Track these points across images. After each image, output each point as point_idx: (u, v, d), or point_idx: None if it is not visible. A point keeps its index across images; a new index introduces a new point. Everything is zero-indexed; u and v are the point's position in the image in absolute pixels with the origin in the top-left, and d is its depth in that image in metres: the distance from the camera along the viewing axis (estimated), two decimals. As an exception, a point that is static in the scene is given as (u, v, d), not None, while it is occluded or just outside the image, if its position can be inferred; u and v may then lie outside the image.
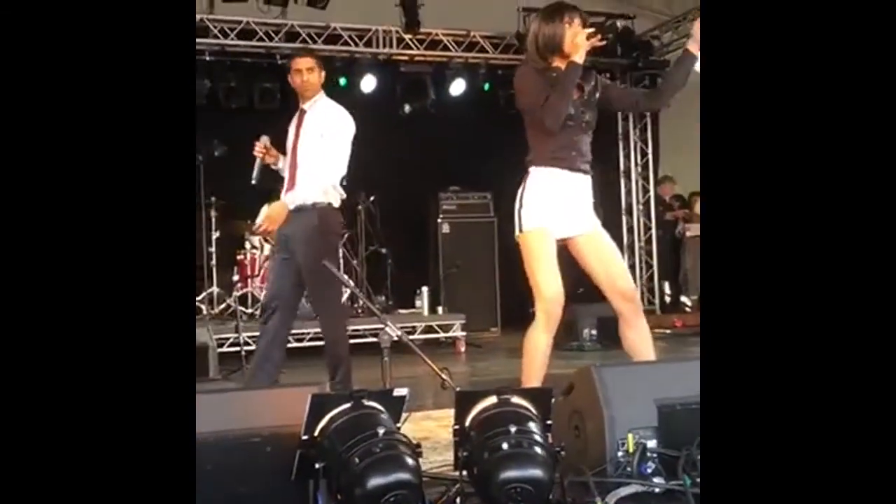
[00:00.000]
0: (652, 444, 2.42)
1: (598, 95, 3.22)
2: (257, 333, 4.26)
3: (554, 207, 3.10)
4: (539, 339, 3.08)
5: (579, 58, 3.05)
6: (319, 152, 4.00)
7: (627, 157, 10.04)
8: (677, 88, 3.20)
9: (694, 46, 3.08)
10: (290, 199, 4.01)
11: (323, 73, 4.17)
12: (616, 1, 9.43)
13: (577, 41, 3.05)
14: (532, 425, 2.19)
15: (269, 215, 3.99)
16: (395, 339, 3.04)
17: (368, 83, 8.34)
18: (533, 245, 3.08)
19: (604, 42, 3.12)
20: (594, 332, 6.82)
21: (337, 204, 4.10)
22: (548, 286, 3.04)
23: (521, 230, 3.13)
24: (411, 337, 7.11)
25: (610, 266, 3.15)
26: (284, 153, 4.19)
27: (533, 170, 3.16)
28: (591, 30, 3.09)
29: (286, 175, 4.14)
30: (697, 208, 8.91)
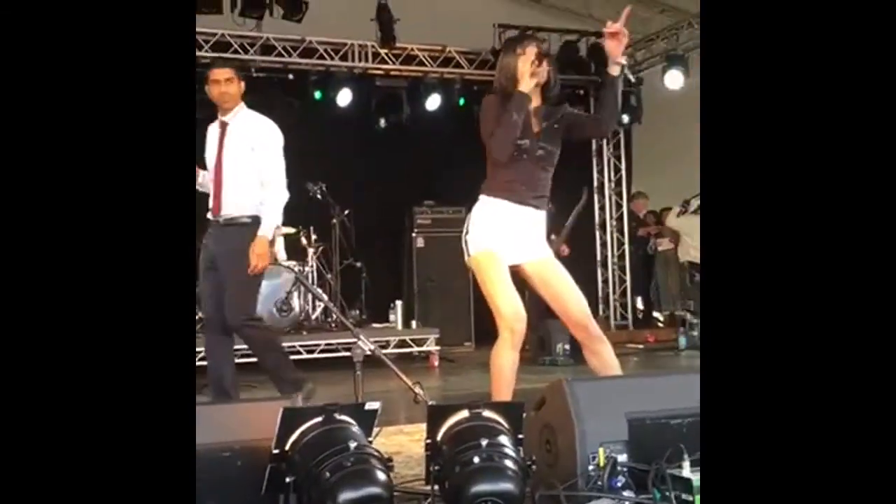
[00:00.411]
0: (622, 458, 2.44)
1: (559, 128, 3.19)
2: None
3: (499, 236, 3.11)
4: (505, 357, 3.08)
5: (524, 87, 3.05)
6: (252, 166, 3.94)
7: (601, 172, 10.12)
8: (614, 112, 3.22)
9: (613, 68, 3.10)
10: (220, 214, 3.93)
11: (242, 84, 4.04)
12: (590, 19, 9.56)
13: (521, 71, 3.06)
14: (503, 439, 2.20)
15: (258, 254, 3.89)
16: (369, 353, 3.04)
17: (344, 97, 8.36)
18: (484, 267, 3.10)
19: (544, 73, 3.09)
20: (567, 346, 6.86)
21: (278, 218, 3.99)
22: (505, 305, 3.05)
23: (468, 255, 3.15)
24: (385, 351, 7.10)
25: (560, 295, 3.15)
26: (204, 167, 4.07)
27: (482, 198, 3.18)
28: (537, 61, 3.06)
29: (209, 190, 4.01)
30: (669, 221, 9.00)
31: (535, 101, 3.16)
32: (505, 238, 3.11)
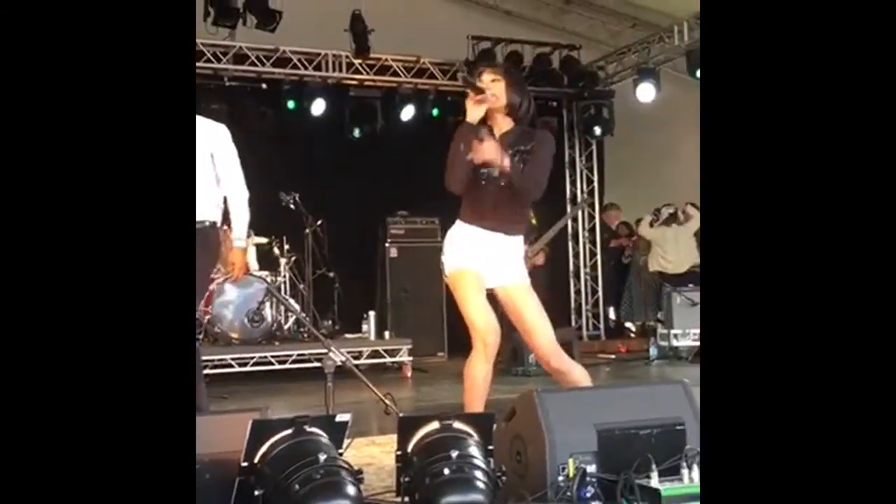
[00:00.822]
0: (592, 468, 2.45)
1: (528, 152, 3.11)
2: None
3: (472, 259, 3.12)
4: (478, 368, 3.10)
5: (468, 117, 3.05)
6: (212, 171, 3.95)
7: (574, 184, 10.19)
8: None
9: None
10: None
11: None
12: (562, 32, 9.64)
13: (468, 102, 3.06)
14: (473, 450, 2.21)
15: (235, 263, 3.90)
16: (340, 364, 3.03)
17: (317, 107, 8.35)
18: (458, 283, 3.12)
19: (493, 99, 3.05)
20: (539, 357, 6.88)
21: (247, 217, 4.03)
22: (478, 318, 3.07)
23: (446, 274, 3.19)
24: (358, 362, 7.09)
25: (528, 326, 3.14)
26: None
27: (457, 222, 3.20)
28: (480, 90, 3.03)
29: None
30: (641, 230, 9.07)
31: (505, 125, 3.14)
32: (478, 262, 3.12)
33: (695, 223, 8.47)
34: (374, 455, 3.34)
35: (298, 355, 6.76)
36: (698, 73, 8.29)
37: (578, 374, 3.13)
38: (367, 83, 8.78)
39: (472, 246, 3.13)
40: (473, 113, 3.05)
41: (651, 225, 8.72)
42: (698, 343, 7.69)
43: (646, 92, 8.82)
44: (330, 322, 7.75)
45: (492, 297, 3.17)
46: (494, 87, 3.08)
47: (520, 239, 3.23)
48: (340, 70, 8.57)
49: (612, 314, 10.07)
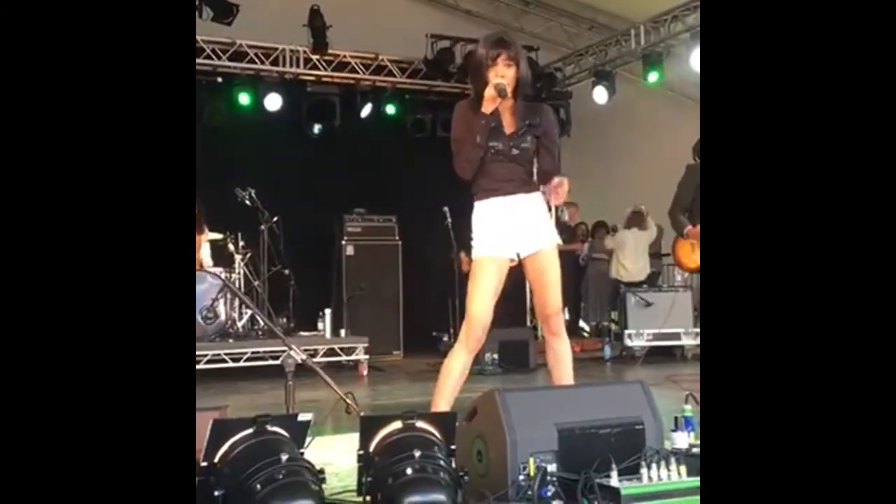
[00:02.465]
0: (552, 467, 2.47)
1: (535, 126, 3.22)
2: None
3: (498, 234, 3.19)
4: (457, 358, 3.17)
5: (486, 109, 3.10)
6: None
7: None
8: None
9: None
10: None
11: None
12: (521, 32, 9.68)
13: (487, 92, 3.09)
14: (436, 450, 2.20)
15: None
16: (300, 362, 3.00)
17: (274, 102, 8.26)
18: (477, 272, 3.19)
19: (510, 79, 3.12)
20: (495, 356, 6.92)
21: None
22: (477, 309, 3.15)
23: (472, 257, 3.24)
24: (314, 360, 7.02)
25: (547, 286, 3.26)
26: None
27: (476, 203, 3.26)
28: (499, 81, 3.08)
29: None
30: (607, 242, 9.23)
31: (510, 100, 3.19)
32: (504, 234, 3.18)
33: (651, 233, 8.67)
34: (334, 454, 3.31)
35: (253, 353, 6.68)
36: (650, 77, 8.42)
37: (567, 345, 3.32)
38: (324, 79, 8.71)
39: (495, 220, 3.19)
40: (490, 106, 3.11)
41: (613, 232, 8.89)
42: (652, 343, 7.81)
43: (602, 94, 8.92)
44: (285, 319, 7.68)
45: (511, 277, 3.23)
46: (508, 74, 3.14)
47: (538, 194, 3.29)
48: (298, 65, 8.49)
49: (567, 314, 10.15)
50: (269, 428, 2.08)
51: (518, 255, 3.23)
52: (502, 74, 3.12)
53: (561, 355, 3.30)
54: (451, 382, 3.12)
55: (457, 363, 3.15)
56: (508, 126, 3.21)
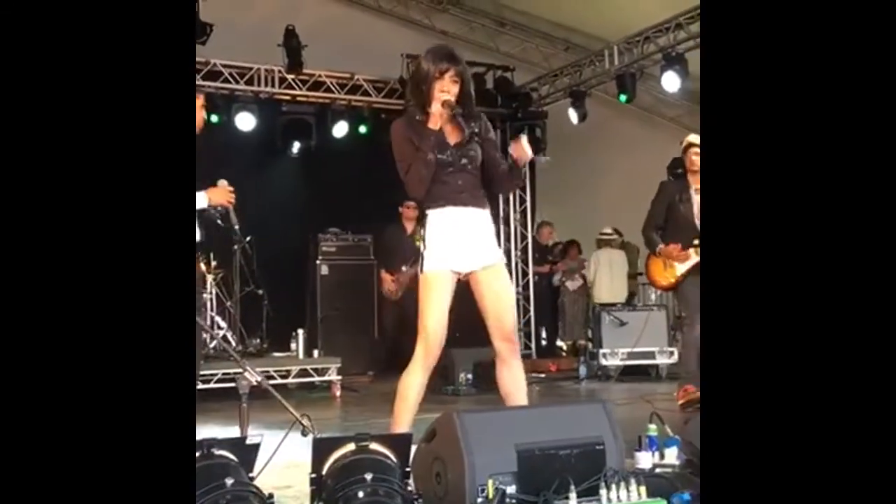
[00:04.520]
0: (511, 489, 2.43)
1: (478, 133, 3.24)
2: None
3: (453, 245, 3.15)
4: (413, 376, 3.11)
5: (433, 125, 3.09)
6: None
7: (506, 202, 10.25)
8: (511, 188, 3.32)
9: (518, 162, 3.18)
10: None
11: None
12: (496, 52, 9.74)
13: (434, 108, 3.09)
14: (389, 473, 2.16)
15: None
16: (255, 384, 2.95)
17: (247, 122, 8.22)
18: (427, 285, 3.13)
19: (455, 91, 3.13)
20: (470, 376, 6.87)
21: None
22: (431, 323, 3.09)
23: (422, 270, 3.18)
24: (285, 381, 6.96)
25: (500, 305, 3.20)
26: None
27: (428, 213, 3.22)
28: (448, 98, 3.09)
29: None
30: (587, 273, 9.29)
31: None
32: (458, 246, 3.14)
33: (624, 259, 8.80)
34: (293, 478, 3.25)
35: (224, 374, 6.59)
36: (623, 98, 8.48)
37: (521, 370, 3.24)
38: (300, 99, 8.69)
39: (449, 230, 3.15)
40: (438, 122, 3.11)
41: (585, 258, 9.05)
42: (626, 363, 7.80)
43: (575, 115, 8.97)
44: (258, 340, 7.59)
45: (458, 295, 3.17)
46: (454, 90, 3.15)
47: (489, 214, 3.30)
48: (273, 85, 8.47)
49: (543, 333, 10.14)
50: (216, 452, 2.03)
51: (472, 270, 3.18)
52: (448, 90, 3.11)
53: (520, 381, 3.22)
54: (408, 403, 3.08)
55: (413, 382, 3.10)
56: (453, 136, 3.19)
